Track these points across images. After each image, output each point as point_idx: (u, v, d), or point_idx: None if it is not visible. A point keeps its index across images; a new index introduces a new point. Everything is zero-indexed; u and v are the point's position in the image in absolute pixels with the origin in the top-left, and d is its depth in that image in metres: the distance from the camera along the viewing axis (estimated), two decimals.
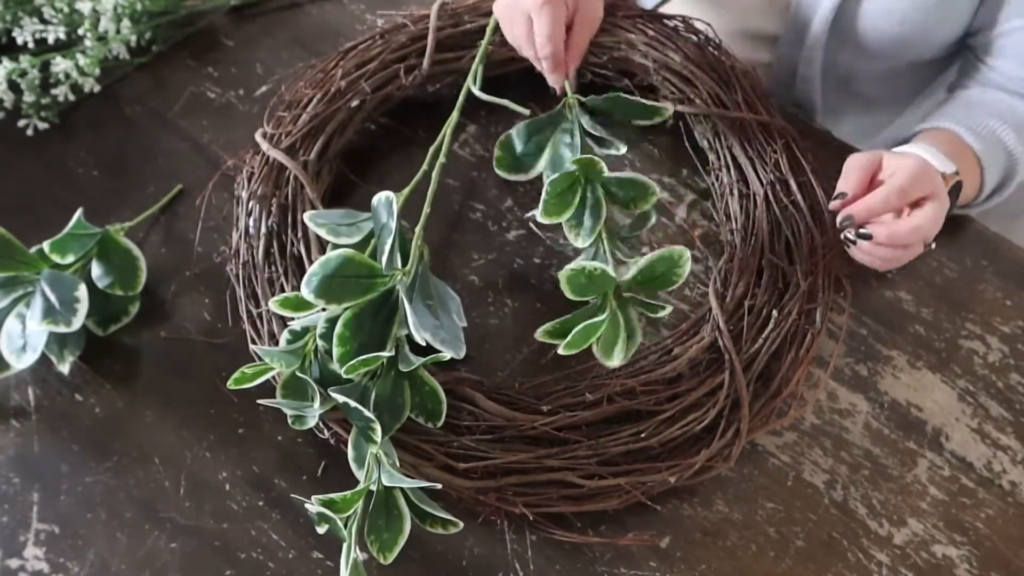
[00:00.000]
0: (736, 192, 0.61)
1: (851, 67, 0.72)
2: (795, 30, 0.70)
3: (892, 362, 0.60)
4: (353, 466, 0.49)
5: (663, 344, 0.56)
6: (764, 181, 0.60)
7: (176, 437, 0.55)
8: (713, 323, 0.54)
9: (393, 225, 0.47)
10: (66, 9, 0.68)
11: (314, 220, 0.52)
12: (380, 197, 0.49)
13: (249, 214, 0.59)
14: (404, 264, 0.51)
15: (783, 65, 0.74)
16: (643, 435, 0.51)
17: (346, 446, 0.50)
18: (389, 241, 0.47)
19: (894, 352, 0.61)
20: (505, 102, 0.62)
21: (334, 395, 0.45)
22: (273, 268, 0.56)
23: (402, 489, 0.46)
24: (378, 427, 0.45)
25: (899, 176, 0.54)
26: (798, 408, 0.56)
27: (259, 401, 0.48)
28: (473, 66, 0.64)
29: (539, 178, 0.67)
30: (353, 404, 0.45)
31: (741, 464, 0.56)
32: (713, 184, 0.65)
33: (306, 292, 0.46)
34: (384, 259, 0.47)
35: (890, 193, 0.53)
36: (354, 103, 0.63)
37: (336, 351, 0.47)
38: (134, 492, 0.53)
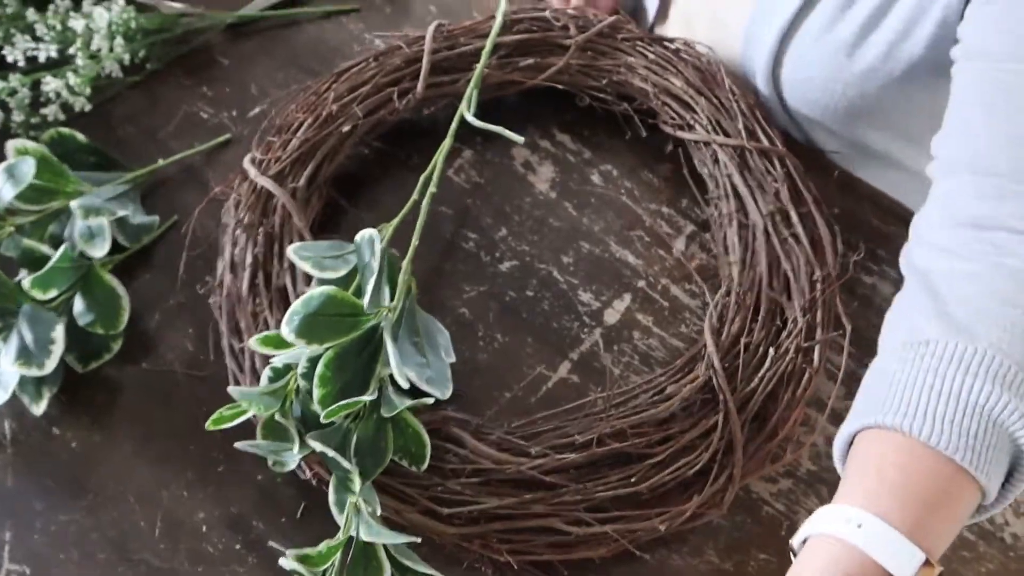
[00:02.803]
0: (735, 223, 0.59)
1: (810, 124, 0.67)
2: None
3: None
4: (334, 510, 0.47)
5: (656, 383, 0.55)
6: (764, 212, 0.59)
7: (153, 474, 0.54)
8: (708, 361, 0.53)
9: (376, 265, 0.46)
10: (59, 26, 0.67)
11: (298, 254, 0.51)
12: (364, 235, 0.48)
13: (235, 243, 0.57)
14: (391, 298, 0.50)
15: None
16: (633, 480, 0.49)
17: (327, 487, 0.49)
18: (372, 281, 0.46)
19: None
20: (499, 129, 0.60)
21: (311, 443, 0.44)
22: (257, 301, 0.54)
23: None
24: (357, 478, 0.44)
25: None
26: (794, 451, 0.55)
27: (236, 445, 0.47)
28: (467, 91, 0.62)
29: (536, 207, 0.65)
30: (331, 454, 0.43)
31: (733, 512, 0.54)
32: (712, 214, 0.63)
33: (286, 332, 0.45)
34: (367, 300, 0.45)
35: None
36: (345, 128, 0.62)
37: (317, 392, 0.46)
38: (108, 532, 0.52)
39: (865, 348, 0.60)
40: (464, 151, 0.68)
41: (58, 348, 0.52)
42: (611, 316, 0.61)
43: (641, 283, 0.62)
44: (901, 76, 0.57)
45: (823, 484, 0.55)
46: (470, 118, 0.61)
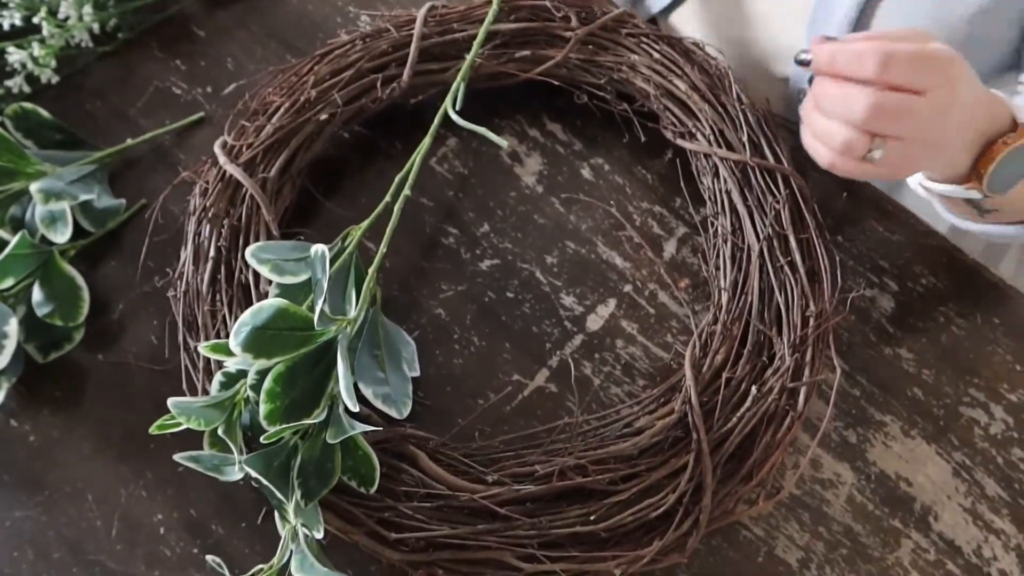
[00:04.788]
0: (730, 243, 0.56)
1: None
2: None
3: (884, 429, 0.56)
4: (278, 524, 0.46)
5: (631, 413, 0.52)
6: (761, 235, 0.55)
7: (112, 473, 0.53)
8: (685, 395, 0.50)
9: (326, 284, 0.43)
10: None
11: (256, 256, 0.48)
12: (316, 251, 0.45)
13: (198, 234, 0.55)
14: (357, 304, 0.47)
15: (799, 79, 0.68)
16: (592, 518, 0.47)
17: None
18: (320, 301, 0.43)
19: (887, 418, 0.56)
20: (483, 131, 0.57)
21: (247, 468, 0.42)
22: (218, 297, 0.52)
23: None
24: (290, 508, 0.42)
25: (898, 31, 0.40)
26: (766, 501, 0.51)
27: (175, 457, 0.44)
28: (454, 85, 0.58)
29: (521, 202, 0.62)
30: (265, 482, 0.41)
31: (710, 535, 0.52)
32: (708, 230, 0.60)
33: (234, 345, 0.42)
34: (316, 318, 0.43)
35: (871, 41, 0.39)
36: (323, 116, 0.58)
37: (263, 408, 0.43)
38: (64, 531, 0.51)
39: (859, 366, 0.58)
40: (449, 139, 0.64)
41: (11, 343, 0.50)
42: (594, 322, 0.58)
43: (627, 288, 0.59)
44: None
45: (805, 509, 0.53)
46: (454, 116, 0.57)
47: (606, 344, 0.57)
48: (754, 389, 0.50)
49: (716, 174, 0.57)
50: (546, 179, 0.63)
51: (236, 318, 0.51)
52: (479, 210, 0.62)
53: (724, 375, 0.50)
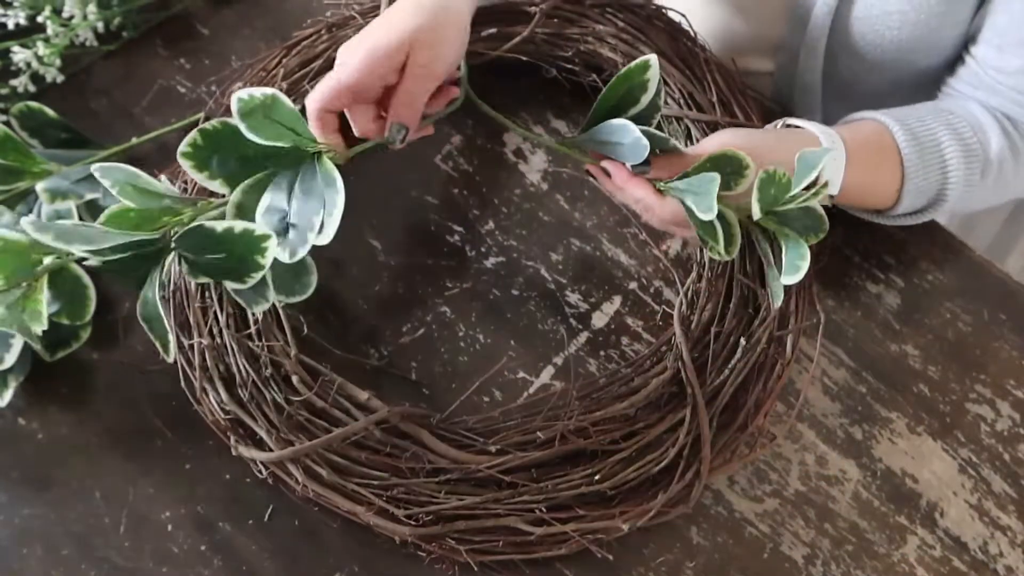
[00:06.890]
0: None
1: (852, 75, 0.66)
2: (795, 33, 0.65)
3: (890, 425, 0.56)
4: None
5: (624, 374, 0.53)
6: None
7: (120, 470, 0.53)
8: (676, 352, 0.51)
9: None
10: None
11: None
12: None
13: None
14: None
15: (783, 72, 0.68)
16: (597, 477, 0.48)
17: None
18: None
19: (894, 414, 0.56)
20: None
21: None
22: (206, 295, 0.52)
23: None
24: None
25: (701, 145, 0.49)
26: (763, 447, 0.52)
27: None
28: (463, 70, 0.58)
29: (527, 199, 0.62)
30: None
31: (715, 531, 0.52)
32: None
33: None
34: None
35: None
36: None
37: None
38: (72, 528, 0.51)
39: (864, 362, 0.57)
40: (453, 136, 0.64)
41: (18, 341, 0.50)
42: (599, 319, 0.58)
43: (632, 285, 0.59)
44: None
45: (810, 506, 0.53)
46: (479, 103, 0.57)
47: (611, 341, 0.57)
48: (743, 341, 0.51)
49: (688, 135, 0.58)
50: (551, 176, 0.63)
51: (227, 314, 0.51)
52: (484, 207, 0.62)
53: (713, 330, 0.51)
